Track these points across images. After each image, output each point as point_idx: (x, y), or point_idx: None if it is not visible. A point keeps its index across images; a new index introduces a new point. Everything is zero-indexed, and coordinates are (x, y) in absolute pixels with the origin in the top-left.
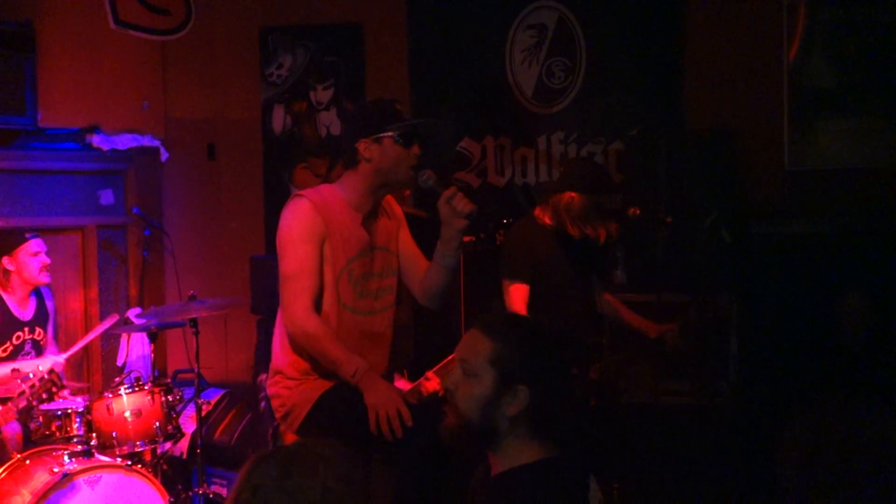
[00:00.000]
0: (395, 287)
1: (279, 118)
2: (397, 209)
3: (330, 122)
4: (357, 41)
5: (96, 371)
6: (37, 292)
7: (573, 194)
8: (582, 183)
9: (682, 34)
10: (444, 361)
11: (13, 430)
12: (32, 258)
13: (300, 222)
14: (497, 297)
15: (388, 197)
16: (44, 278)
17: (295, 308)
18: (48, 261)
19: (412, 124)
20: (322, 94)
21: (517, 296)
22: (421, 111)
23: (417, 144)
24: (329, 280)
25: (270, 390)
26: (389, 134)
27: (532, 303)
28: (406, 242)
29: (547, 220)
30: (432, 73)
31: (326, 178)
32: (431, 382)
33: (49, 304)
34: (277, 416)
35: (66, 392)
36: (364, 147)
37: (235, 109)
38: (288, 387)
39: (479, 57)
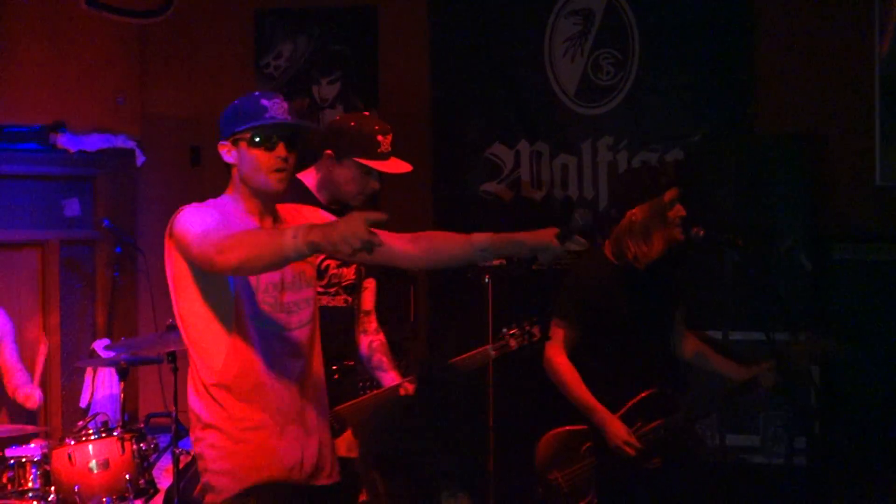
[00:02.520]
0: (314, 299)
1: None
2: (314, 216)
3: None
4: (369, 27)
5: (55, 413)
6: None
7: (633, 211)
8: (640, 192)
9: (754, 23)
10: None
11: None
12: None
13: (199, 212)
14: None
15: (303, 207)
16: None
17: None
18: None
19: (269, 123)
20: (327, 90)
21: (556, 336)
22: (443, 110)
23: (285, 146)
24: (234, 292)
25: (196, 447)
26: (245, 134)
27: (587, 352)
28: None
29: (612, 257)
30: (457, 65)
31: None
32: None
33: (2, 327)
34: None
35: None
36: (225, 150)
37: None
38: (214, 445)
39: (513, 47)
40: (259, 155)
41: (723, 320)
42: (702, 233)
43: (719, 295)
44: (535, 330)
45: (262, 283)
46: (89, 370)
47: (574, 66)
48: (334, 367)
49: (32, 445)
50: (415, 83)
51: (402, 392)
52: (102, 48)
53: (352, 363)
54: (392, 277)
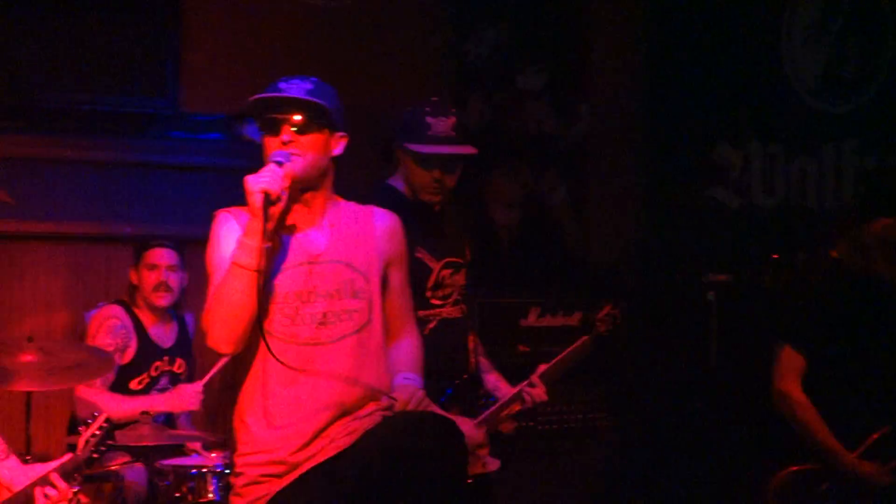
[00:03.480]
0: (363, 311)
1: (476, 109)
2: (386, 226)
3: (542, 115)
4: (580, 11)
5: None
6: (179, 316)
7: (887, 221)
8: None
9: None
10: (557, 360)
11: (137, 485)
12: (149, 272)
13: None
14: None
15: (380, 211)
16: (157, 300)
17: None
18: (166, 278)
19: (260, 102)
20: (533, 80)
21: (787, 366)
22: (662, 105)
23: (287, 123)
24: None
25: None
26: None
27: (817, 380)
28: (395, 279)
29: (848, 262)
30: (677, 55)
31: (534, 189)
32: (537, 389)
33: (191, 332)
34: None
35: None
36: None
37: (418, 97)
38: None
39: (743, 34)
40: (265, 141)
41: None
42: None
43: None
44: (616, 312)
45: (281, 295)
46: None
47: (816, 57)
48: (456, 382)
49: (214, 455)
50: (629, 73)
51: (526, 398)
52: (291, 33)
53: (466, 376)
54: (596, 291)
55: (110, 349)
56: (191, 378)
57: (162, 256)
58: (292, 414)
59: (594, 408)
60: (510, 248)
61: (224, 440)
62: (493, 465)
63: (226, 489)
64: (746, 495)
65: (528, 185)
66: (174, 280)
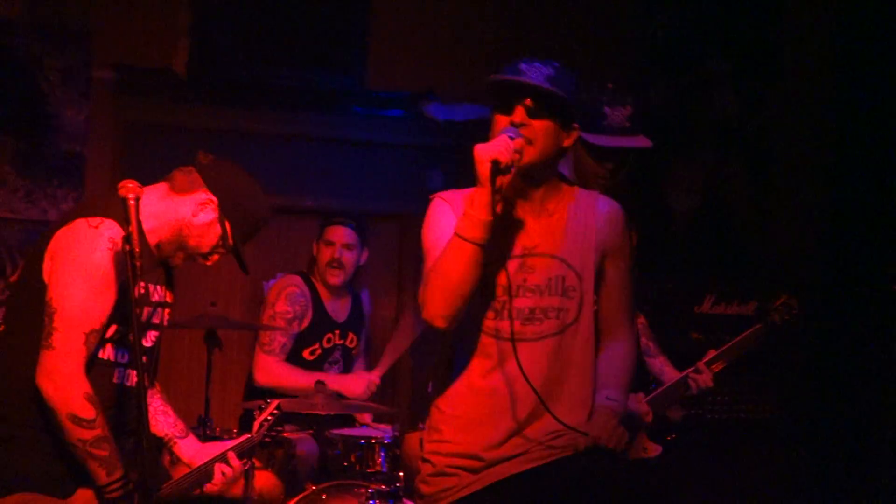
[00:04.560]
0: (571, 311)
1: (659, 92)
2: (607, 214)
3: (727, 100)
4: None
5: (404, 394)
6: (355, 292)
7: None
8: None
9: None
10: (726, 347)
11: (308, 452)
12: (326, 247)
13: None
14: None
15: (604, 198)
16: (329, 278)
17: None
18: (340, 255)
19: (497, 81)
20: (718, 65)
21: None
22: (851, 91)
23: (522, 106)
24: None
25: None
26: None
27: None
28: (611, 272)
29: None
30: (872, 41)
31: (715, 175)
32: (704, 375)
33: (365, 309)
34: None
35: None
36: None
37: (601, 77)
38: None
39: None
40: (497, 120)
41: None
42: None
43: None
44: (793, 302)
45: (490, 288)
46: None
47: None
48: None
49: (383, 427)
50: (820, 59)
51: (692, 384)
52: (474, 13)
53: None
54: (775, 281)
55: (288, 316)
56: (361, 356)
57: (340, 234)
58: (491, 409)
59: (767, 400)
60: (686, 235)
61: (394, 413)
62: (654, 450)
63: (393, 461)
64: None
65: (707, 171)
66: (348, 258)
